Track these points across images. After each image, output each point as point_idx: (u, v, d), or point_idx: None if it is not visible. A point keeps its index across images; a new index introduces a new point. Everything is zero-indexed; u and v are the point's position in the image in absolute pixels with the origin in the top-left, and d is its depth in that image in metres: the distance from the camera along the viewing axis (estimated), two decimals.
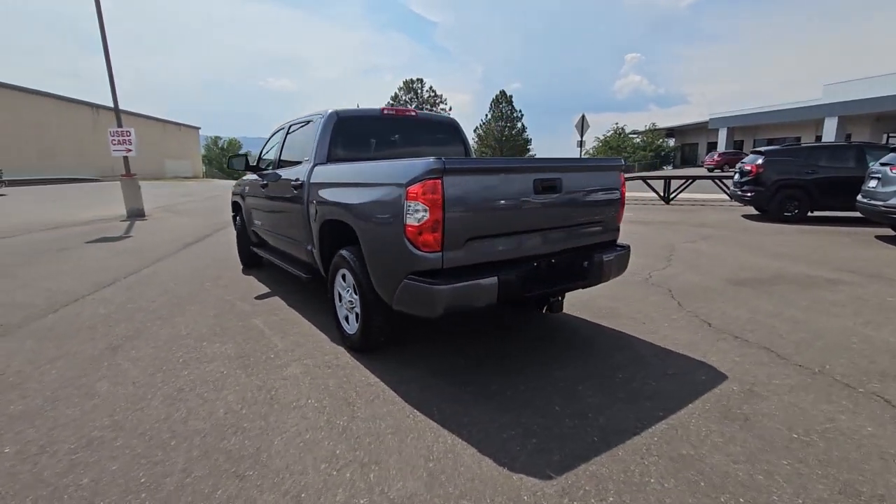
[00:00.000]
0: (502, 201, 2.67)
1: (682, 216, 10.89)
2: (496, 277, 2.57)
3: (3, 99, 31.30)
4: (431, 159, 2.40)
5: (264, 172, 4.81)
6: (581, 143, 16.69)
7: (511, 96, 48.21)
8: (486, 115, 48.21)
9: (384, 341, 3.18)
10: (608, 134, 47.36)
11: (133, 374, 2.92)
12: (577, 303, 4.25)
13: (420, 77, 50.53)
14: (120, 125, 12.58)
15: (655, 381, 2.77)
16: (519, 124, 48.11)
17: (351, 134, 3.92)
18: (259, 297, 4.61)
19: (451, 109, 50.96)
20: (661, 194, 13.74)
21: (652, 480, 1.91)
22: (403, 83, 48.64)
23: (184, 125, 58.97)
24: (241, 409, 2.50)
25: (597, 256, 3.10)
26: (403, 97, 48.11)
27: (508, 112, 47.72)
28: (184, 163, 57.12)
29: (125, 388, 2.74)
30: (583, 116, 16.00)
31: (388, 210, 2.61)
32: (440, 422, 2.36)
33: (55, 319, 3.98)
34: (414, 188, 2.40)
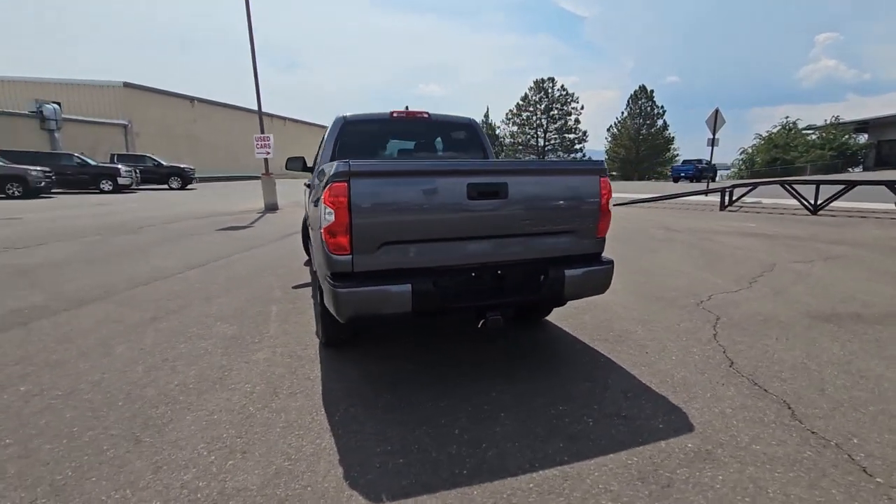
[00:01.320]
0: (425, 206, 2.54)
1: (821, 230, 8.86)
2: (409, 285, 2.47)
3: (203, 111, 38.92)
4: (340, 162, 2.41)
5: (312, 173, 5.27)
6: (713, 142, 14.52)
7: (652, 91, 44.12)
8: (623, 113, 44.92)
9: (345, 339, 3.27)
10: (774, 130, 40.29)
11: (146, 343, 3.49)
12: (591, 322, 3.82)
13: (551, 76, 49.30)
14: (262, 132, 14.77)
15: (595, 421, 2.38)
16: (660, 122, 43.77)
17: (357, 138, 4.08)
18: (296, 287, 5.07)
19: (582, 109, 48.82)
20: (808, 202, 11.29)
21: None
22: (534, 83, 48.10)
23: None
24: (190, 383, 2.83)
25: (557, 271, 2.75)
26: (533, 97, 47.47)
27: (648, 108, 43.80)
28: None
29: (131, 353, 3.29)
30: (716, 111, 13.91)
31: (316, 212, 2.69)
32: (333, 425, 2.37)
33: (139, 291, 4.92)
34: (325, 191, 2.44)
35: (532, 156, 50.78)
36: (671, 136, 43.81)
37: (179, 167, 25.43)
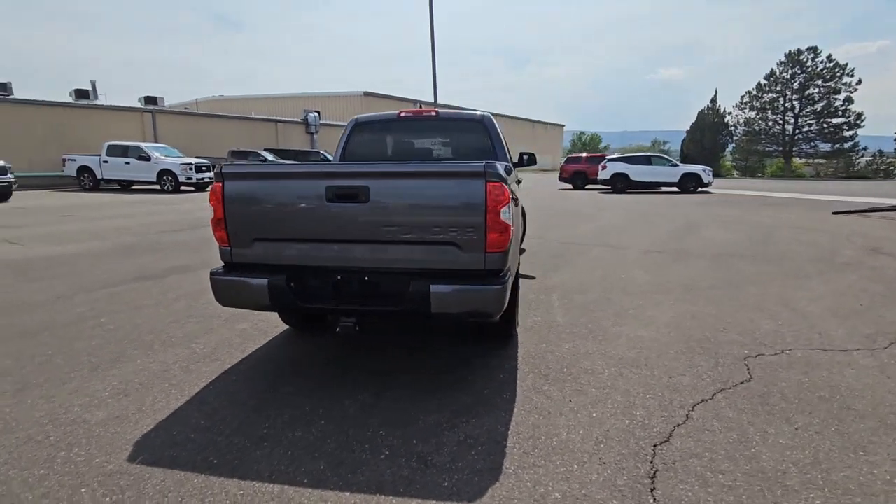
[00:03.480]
0: (286, 207, 2.62)
1: None
2: (266, 280, 2.61)
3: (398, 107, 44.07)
4: (218, 165, 2.70)
5: None
6: None
7: None
8: None
9: (295, 322, 3.59)
10: None
11: (176, 306, 4.42)
12: (598, 351, 3.23)
13: (813, 45, 37.96)
14: None
15: (424, 444, 2.12)
16: None
17: (365, 138, 4.28)
18: None
19: (859, 84, 36.45)
20: None
21: None
22: (785, 56, 38.09)
23: (550, 123, 66.41)
24: (168, 336, 3.58)
25: (420, 285, 2.47)
26: (782, 74, 37.89)
27: None
28: (545, 157, 64.78)
29: (156, 311, 4.26)
30: None
31: None
32: (212, 399, 2.72)
33: None
34: (209, 190, 2.77)
35: (776, 147, 40.76)
36: None
37: None
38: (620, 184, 18.61)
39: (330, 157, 25.14)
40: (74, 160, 19.21)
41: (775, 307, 4.17)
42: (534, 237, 8.02)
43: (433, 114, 4.24)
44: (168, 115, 26.99)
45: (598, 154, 22.77)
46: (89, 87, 25.75)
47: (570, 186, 21.51)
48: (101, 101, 25.30)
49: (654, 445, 2.19)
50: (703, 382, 2.80)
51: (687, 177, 18.22)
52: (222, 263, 2.85)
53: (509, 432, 2.31)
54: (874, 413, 2.44)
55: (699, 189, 18.46)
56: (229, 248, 2.78)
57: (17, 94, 21.35)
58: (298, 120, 32.16)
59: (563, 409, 2.52)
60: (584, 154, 23.53)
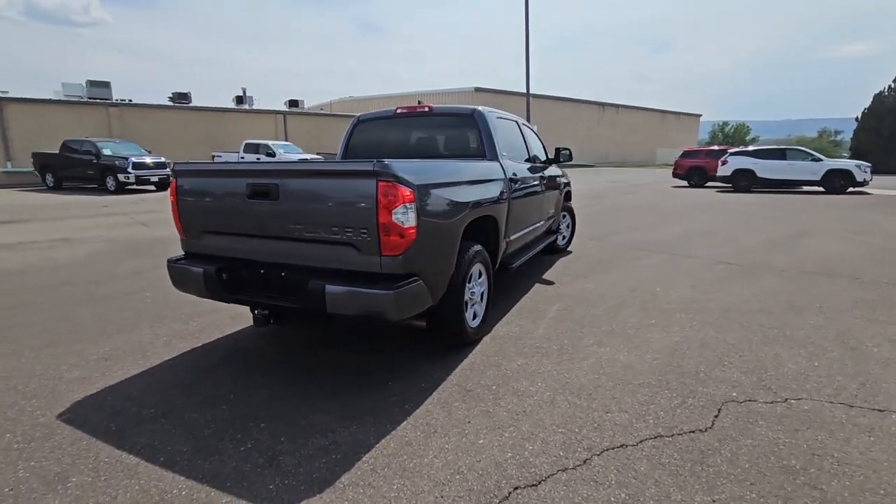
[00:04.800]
0: (218, 202, 2.80)
1: None
2: (202, 269, 2.83)
3: (539, 105, 42.72)
4: (174, 163, 2.97)
5: None
6: None
7: None
8: None
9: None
10: None
11: None
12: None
13: None
14: (528, 119, 15.58)
15: (290, 443, 2.16)
16: None
17: (366, 136, 4.34)
18: None
19: None
20: None
21: None
22: None
23: (683, 114, 59.96)
24: (181, 312, 4.06)
25: (316, 283, 2.47)
26: None
27: None
28: (677, 150, 58.70)
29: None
30: None
31: None
32: (158, 373, 3.06)
33: None
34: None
35: None
36: None
37: None
38: (744, 181, 16.03)
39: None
40: (220, 156, 22.63)
41: (827, 344, 3.28)
42: (594, 239, 7.39)
43: (427, 109, 4.13)
44: (296, 116, 30.22)
45: (722, 147, 19.84)
46: (243, 94, 30.29)
47: (684, 184, 19.21)
48: (255, 105, 29.49)
49: (515, 488, 1.90)
50: (643, 424, 2.33)
51: (833, 174, 14.96)
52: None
53: (377, 445, 2.19)
54: (850, 500, 1.81)
55: (850, 189, 15.10)
56: (184, 239, 3.06)
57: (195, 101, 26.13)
58: None
59: (452, 430, 2.31)
60: (709, 147, 20.72)
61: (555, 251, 6.31)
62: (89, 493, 1.91)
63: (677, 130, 57.89)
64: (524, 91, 40.29)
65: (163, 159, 17.29)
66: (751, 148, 17.83)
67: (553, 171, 5.68)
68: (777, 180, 15.75)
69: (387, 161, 2.35)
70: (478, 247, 3.31)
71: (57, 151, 17.53)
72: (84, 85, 25.55)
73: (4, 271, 5.60)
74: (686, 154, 19.57)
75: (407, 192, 2.37)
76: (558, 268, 5.61)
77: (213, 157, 22.76)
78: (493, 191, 3.55)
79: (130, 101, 25.14)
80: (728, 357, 3.08)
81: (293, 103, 32.12)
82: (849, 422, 2.33)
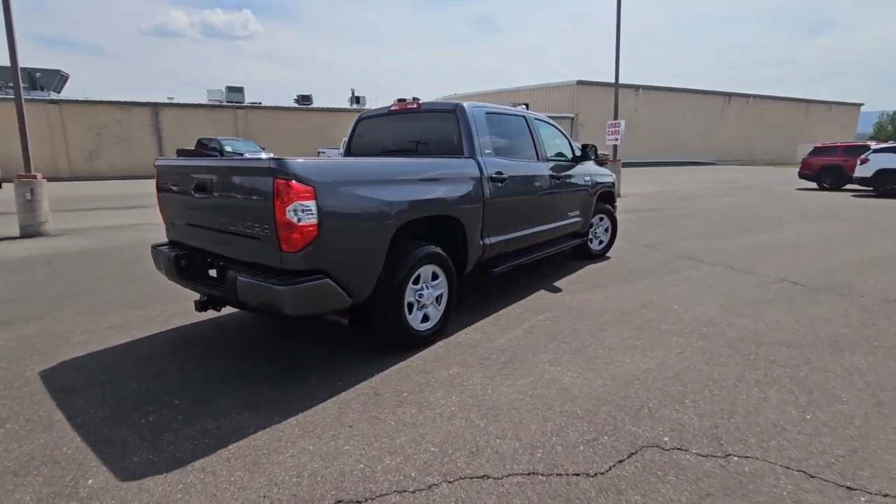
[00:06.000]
0: (176, 195, 3.07)
1: None
2: (167, 255, 3.13)
3: (647, 98, 39.34)
4: (156, 158, 3.32)
5: None
6: None
7: None
8: None
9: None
10: None
11: None
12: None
13: None
14: (616, 116, 14.50)
15: (183, 425, 2.36)
16: None
17: (365, 132, 4.40)
18: None
19: None
20: None
21: None
22: None
23: (837, 103, 50.93)
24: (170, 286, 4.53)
25: (230, 275, 2.60)
26: None
27: None
28: None
29: None
30: None
31: None
32: (143, 347, 3.47)
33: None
34: None
35: None
36: None
37: (603, 154, 27.97)
38: (890, 184, 13.13)
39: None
40: (325, 152, 24.60)
41: (846, 394, 2.59)
42: (648, 245, 6.67)
43: (416, 106, 4.05)
44: None
45: (862, 144, 16.33)
46: (352, 94, 32.75)
47: (812, 186, 16.29)
48: (366, 105, 31.70)
49: (338, 502, 1.82)
50: (526, 457, 2.07)
51: None
52: None
53: (252, 436, 2.25)
54: None
55: None
56: (166, 227, 3.42)
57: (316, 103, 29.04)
58: None
59: (327, 433, 2.28)
60: (851, 142, 17.24)
61: (588, 256, 5.82)
62: (9, 440, 2.25)
63: (827, 123, 49.35)
64: (632, 83, 37.46)
65: (272, 155, 19.34)
66: None
67: (580, 169, 5.24)
68: None
69: (285, 159, 2.39)
70: (432, 248, 3.20)
71: (193, 148, 20.64)
72: (223, 90, 29.70)
73: (116, 247, 6.81)
74: (817, 151, 16.49)
75: (304, 189, 2.38)
76: (579, 274, 5.17)
77: (319, 152, 24.84)
78: (458, 190, 3.39)
79: (260, 103, 28.60)
80: (695, 395, 2.60)
81: (400, 100, 33.88)
82: (791, 496, 1.83)
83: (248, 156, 18.64)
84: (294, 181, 2.37)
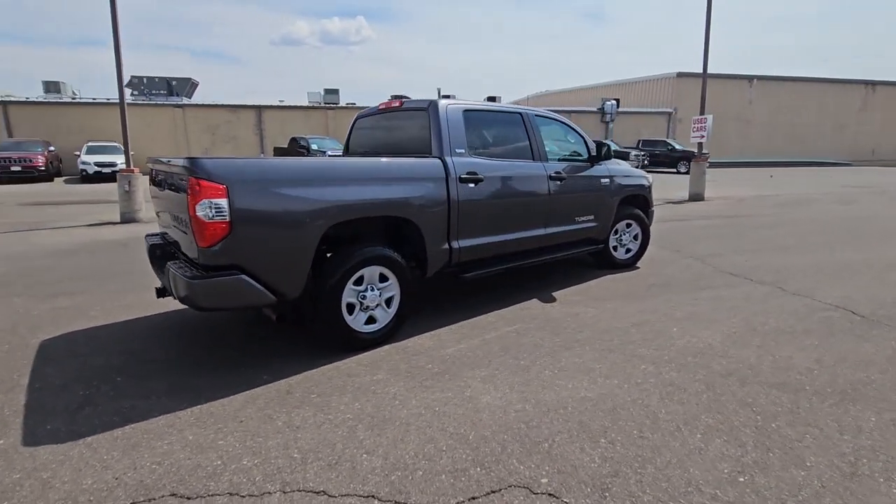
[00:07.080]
0: (156, 189, 3.34)
1: None
2: (148, 243, 3.44)
3: (763, 89, 34.72)
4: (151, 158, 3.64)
5: None
6: None
7: None
8: None
9: None
10: None
11: None
12: None
13: None
14: (702, 111, 13.10)
15: (141, 399, 2.62)
16: None
17: (360, 131, 4.45)
18: None
19: None
20: None
21: None
22: None
23: None
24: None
25: (168, 265, 2.79)
26: None
27: None
28: None
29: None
30: None
31: None
32: (139, 326, 3.85)
33: None
34: None
35: None
36: None
37: (690, 152, 25.50)
38: None
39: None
40: None
41: (815, 456, 2.06)
42: (693, 257, 5.92)
43: (398, 104, 3.98)
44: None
45: None
46: (437, 92, 33.42)
47: None
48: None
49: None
50: (380, 479, 1.94)
51: None
52: None
53: (150, 419, 2.39)
54: None
55: None
56: (158, 219, 3.76)
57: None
58: (595, 109, 31.54)
59: (211, 425, 2.34)
60: None
61: (613, 266, 5.30)
62: None
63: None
64: (737, 73, 33.28)
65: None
66: None
67: (598, 170, 4.79)
68: None
69: (199, 158, 2.49)
70: (378, 249, 3.14)
71: (286, 145, 22.52)
72: (321, 92, 31.96)
73: None
74: None
75: (214, 187, 2.47)
76: (589, 284, 4.74)
77: None
78: (413, 191, 3.28)
79: (354, 104, 30.35)
80: (618, 434, 2.24)
81: (490, 99, 33.81)
82: None
83: (329, 153, 19.91)
84: (204, 180, 2.47)
